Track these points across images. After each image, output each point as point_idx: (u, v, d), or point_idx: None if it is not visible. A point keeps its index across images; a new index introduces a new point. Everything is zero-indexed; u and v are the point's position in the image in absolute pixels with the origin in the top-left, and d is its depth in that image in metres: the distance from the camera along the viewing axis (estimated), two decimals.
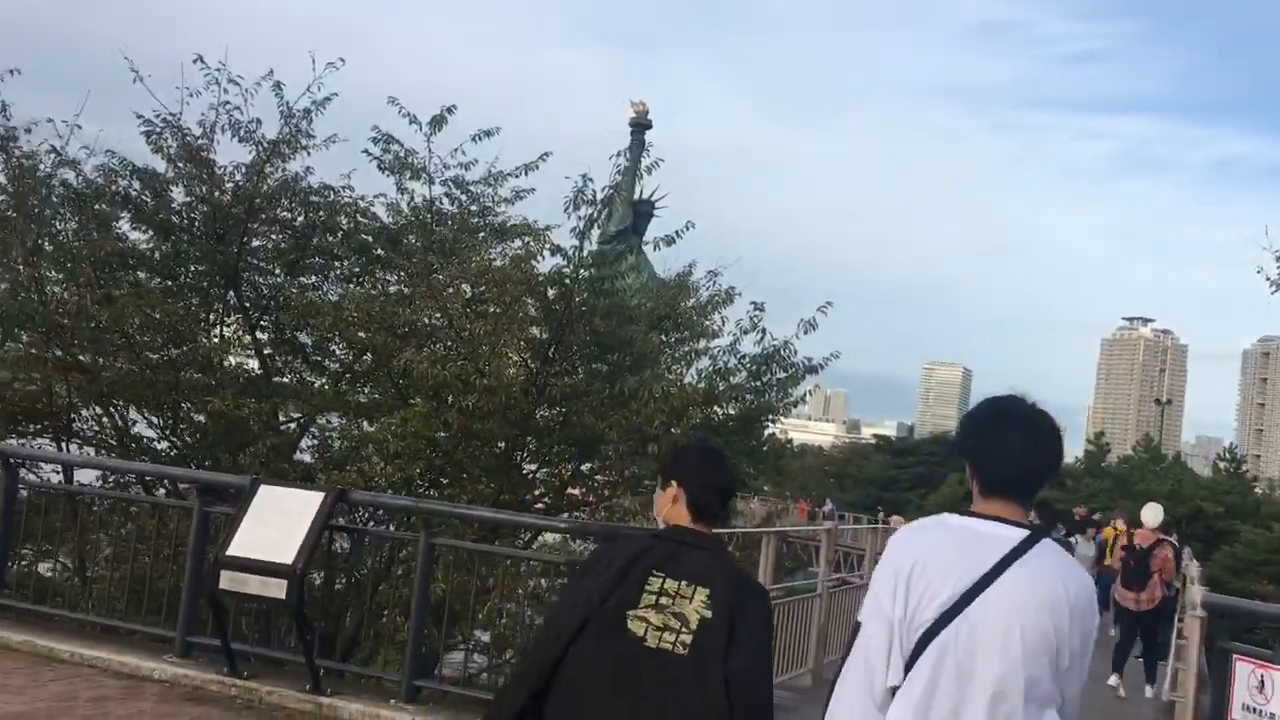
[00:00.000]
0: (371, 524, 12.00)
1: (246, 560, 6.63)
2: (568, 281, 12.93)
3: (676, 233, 15.09)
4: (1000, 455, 2.88)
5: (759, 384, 14.28)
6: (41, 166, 14.08)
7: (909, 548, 2.84)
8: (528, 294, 12.82)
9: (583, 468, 14.16)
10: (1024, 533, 2.79)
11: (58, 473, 12.63)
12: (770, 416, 17.32)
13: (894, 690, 2.72)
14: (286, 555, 6.54)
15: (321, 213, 14.95)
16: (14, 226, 13.84)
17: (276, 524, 6.70)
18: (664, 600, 3.21)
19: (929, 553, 2.79)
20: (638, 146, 40.27)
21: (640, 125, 38.48)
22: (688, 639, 3.14)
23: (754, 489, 69.29)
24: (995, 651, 2.65)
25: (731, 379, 14.05)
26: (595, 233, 13.86)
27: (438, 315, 12.83)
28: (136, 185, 14.30)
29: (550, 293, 13.23)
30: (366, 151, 15.34)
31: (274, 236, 14.81)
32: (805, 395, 16.63)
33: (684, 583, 3.24)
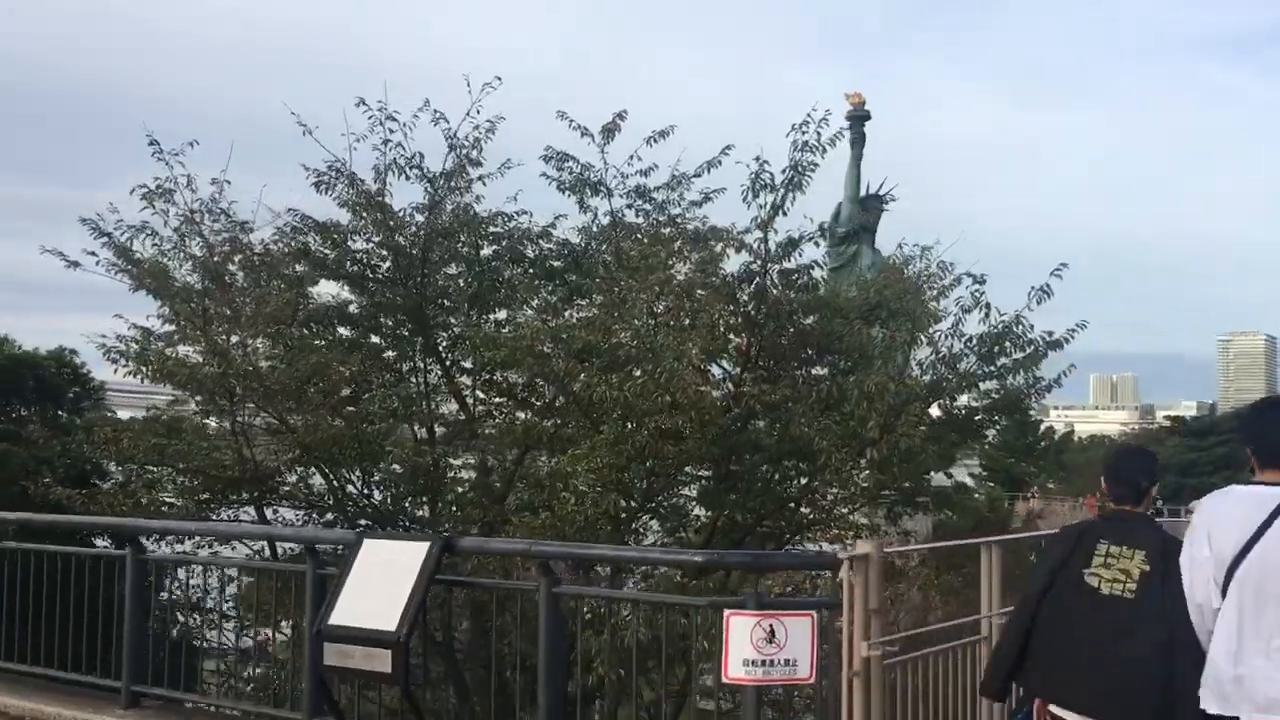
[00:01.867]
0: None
1: (350, 630, 5.71)
2: (756, 279, 11.63)
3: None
4: (1270, 438, 4.17)
5: (994, 368, 12.43)
6: (222, 233, 14.05)
7: (1209, 508, 4.20)
8: (715, 299, 11.57)
9: (805, 483, 12.71)
10: None
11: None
12: (1025, 404, 15.32)
13: (1216, 611, 3.98)
14: (390, 621, 5.57)
15: (502, 242, 14.32)
16: (212, 296, 13.79)
17: (382, 585, 5.75)
18: (1110, 560, 4.37)
19: (1223, 511, 4.11)
20: (858, 140, 38.32)
21: (858, 117, 36.48)
22: (1133, 586, 4.27)
23: (1038, 485, 65.25)
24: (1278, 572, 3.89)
25: (959, 365, 12.27)
26: (790, 224, 12.41)
27: (627, 335, 11.75)
28: (316, 239, 14.06)
29: (743, 294, 11.98)
30: (545, 174, 14.56)
31: (454, 274, 14.25)
32: (1060, 378, 14.58)
33: (1125, 547, 4.38)
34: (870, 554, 5.27)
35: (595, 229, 14.69)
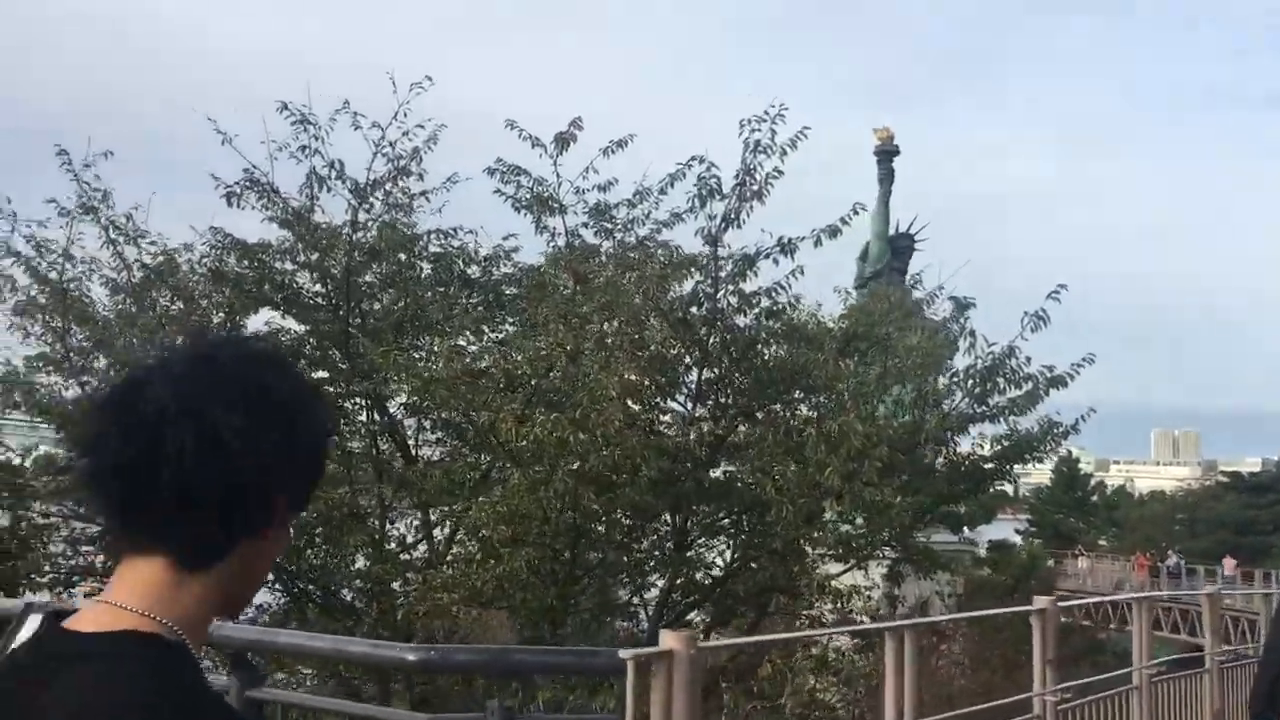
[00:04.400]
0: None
1: None
2: (704, 302, 9.99)
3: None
4: None
5: (986, 408, 10.64)
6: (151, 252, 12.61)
7: None
8: (662, 325, 9.94)
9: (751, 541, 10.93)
10: None
11: None
12: (1038, 452, 13.45)
13: None
14: None
15: (440, 263, 12.82)
16: (142, 323, 12.32)
17: None
18: None
19: None
20: (886, 177, 36.80)
21: (886, 153, 34.92)
22: None
23: (1081, 543, 62.24)
24: None
25: (944, 404, 10.48)
26: (736, 238, 10.74)
27: (557, 368, 10.14)
28: (234, 260, 12.61)
29: (691, 318, 10.33)
30: (499, 190, 13.04)
31: (383, 297, 12.74)
32: (1078, 424, 12.73)
33: None
34: (676, 651, 3.57)
35: (551, 250, 13.17)
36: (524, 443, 9.13)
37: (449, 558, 11.98)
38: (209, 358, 1.31)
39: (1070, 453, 71.53)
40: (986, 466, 13.32)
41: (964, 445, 13.24)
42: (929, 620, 6.18)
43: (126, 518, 1.26)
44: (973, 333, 10.16)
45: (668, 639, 3.65)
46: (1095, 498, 66.59)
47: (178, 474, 1.21)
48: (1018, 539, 59.77)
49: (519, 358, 10.04)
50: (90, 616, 1.23)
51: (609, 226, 12.90)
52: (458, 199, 13.66)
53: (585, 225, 12.85)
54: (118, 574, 1.27)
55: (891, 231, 34.69)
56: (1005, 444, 12.59)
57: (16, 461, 11.84)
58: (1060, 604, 6.52)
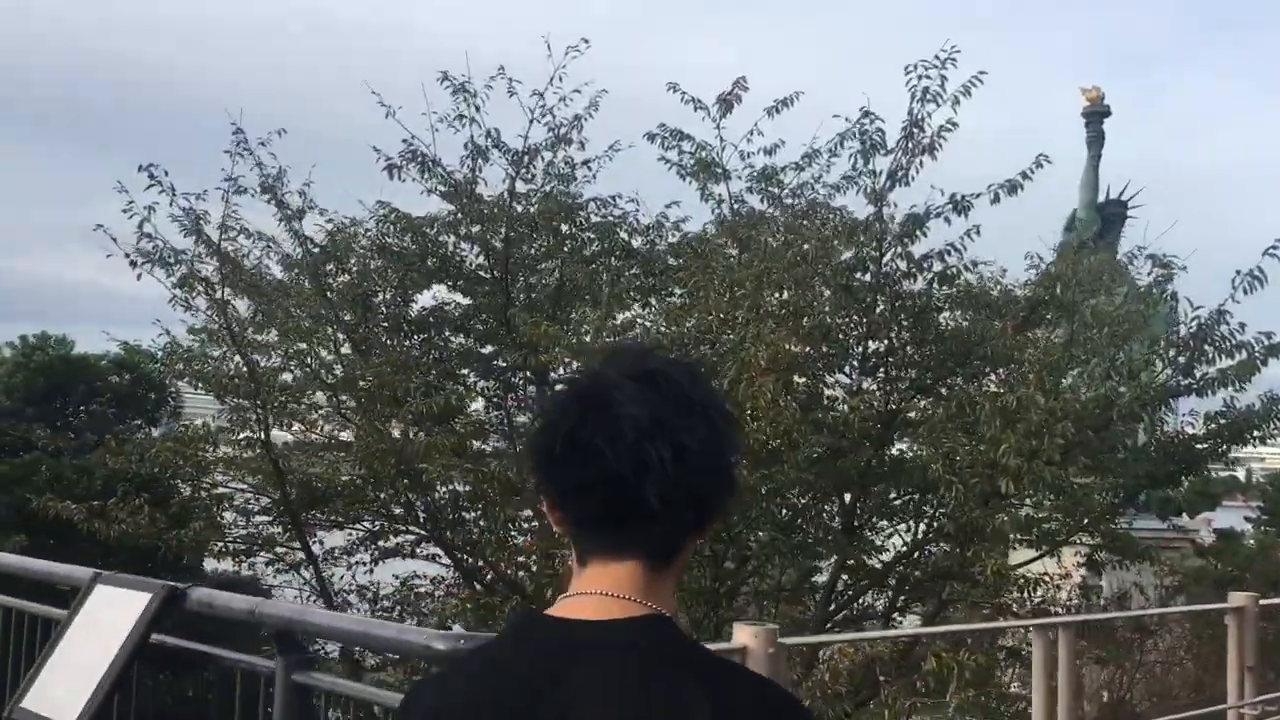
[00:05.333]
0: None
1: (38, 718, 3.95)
2: (869, 266, 9.27)
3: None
4: None
5: (1193, 380, 9.51)
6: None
7: None
8: (816, 282, 9.29)
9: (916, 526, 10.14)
10: None
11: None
12: (1252, 436, 12.03)
13: None
14: (71, 710, 3.77)
15: (602, 233, 12.47)
16: (326, 303, 12.35)
17: (91, 652, 3.96)
18: None
19: None
20: (1095, 140, 34.40)
21: (1097, 114, 32.60)
22: None
23: None
24: None
25: (1142, 376, 9.40)
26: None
27: (703, 338, 9.63)
28: (395, 235, 12.58)
29: (856, 284, 9.62)
30: (664, 158, 12.58)
31: (542, 269, 12.49)
32: None
33: None
34: (750, 648, 3.03)
35: (721, 219, 12.63)
36: None
37: None
38: (663, 374, 1.44)
39: None
40: (1199, 447, 12.05)
41: (1171, 423, 12.09)
42: (1080, 618, 5.36)
43: (606, 525, 1.42)
44: (1174, 295, 9.09)
45: (741, 634, 3.13)
46: None
47: (658, 485, 1.37)
48: (1248, 527, 55.59)
49: (666, 329, 9.57)
50: (591, 606, 1.40)
51: (775, 192, 12.29)
52: (626, 168, 13.31)
53: (749, 190, 12.29)
54: (592, 572, 1.43)
55: (1101, 199, 32.55)
56: (1221, 421, 11.34)
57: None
58: (1265, 601, 5.60)
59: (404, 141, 11.91)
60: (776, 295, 9.86)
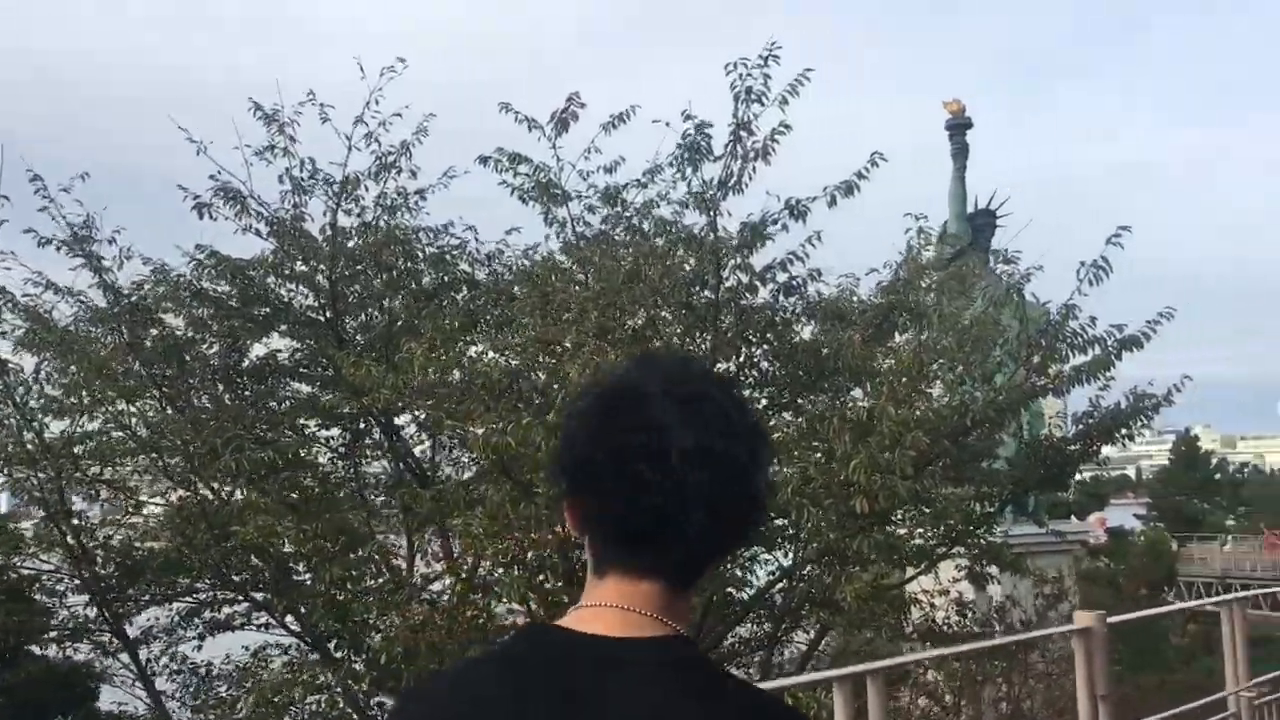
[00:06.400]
0: None
1: None
2: (707, 278, 8.68)
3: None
4: None
5: (1046, 380, 9.09)
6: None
7: None
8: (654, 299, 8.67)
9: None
10: None
11: None
12: (1121, 435, 11.71)
13: None
14: None
15: (431, 267, 11.72)
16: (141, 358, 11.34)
17: None
18: None
19: None
20: (960, 152, 34.70)
21: (959, 125, 32.88)
22: None
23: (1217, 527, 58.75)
24: None
25: (997, 379, 8.96)
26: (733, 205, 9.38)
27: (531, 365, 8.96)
28: (213, 281, 11.63)
29: (697, 301, 9.02)
30: (504, 182, 11.86)
31: (376, 307, 11.68)
32: (1170, 395, 11.04)
33: None
34: None
35: (566, 243, 11.97)
36: (492, 455, 7.93)
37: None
38: (707, 395, 1.38)
39: (1187, 430, 67.92)
40: (1070, 449, 11.72)
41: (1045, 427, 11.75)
42: (886, 664, 4.70)
43: (636, 542, 1.36)
44: (1019, 292, 8.67)
45: None
46: (1219, 476, 62.93)
47: (696, 511, 1.33)
48: (1138, 524, 56.69)
49: (488, 359, 8.86)
50: (612, 621, 1.34)
51: (619, 212, 11.70)
52: (471, 195, 12.63)
53: (590, 211, 11.67)
54: (612, 585, 1.37)
55: (969, 209, 32.84)
56: (1090, 422, 11.02)
57: None
58: (1114, 619, 5.03)
59: (211, 178, 11.05)
60: (629, 321, 9.26)
